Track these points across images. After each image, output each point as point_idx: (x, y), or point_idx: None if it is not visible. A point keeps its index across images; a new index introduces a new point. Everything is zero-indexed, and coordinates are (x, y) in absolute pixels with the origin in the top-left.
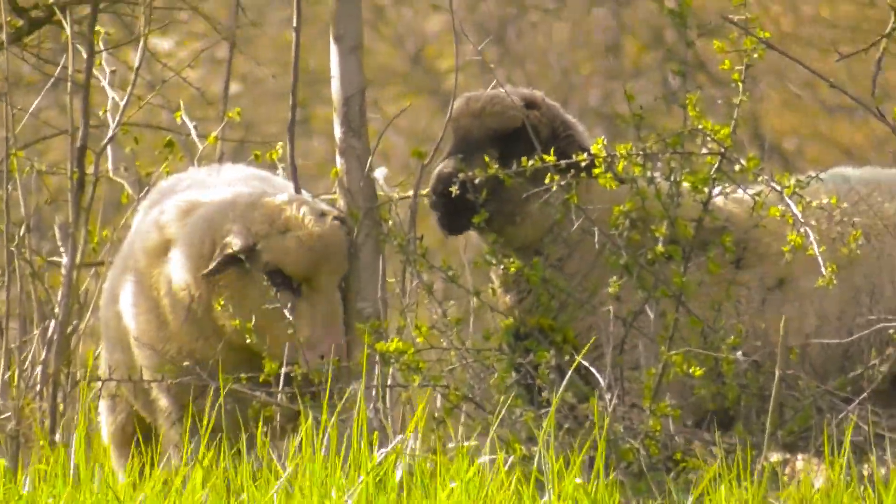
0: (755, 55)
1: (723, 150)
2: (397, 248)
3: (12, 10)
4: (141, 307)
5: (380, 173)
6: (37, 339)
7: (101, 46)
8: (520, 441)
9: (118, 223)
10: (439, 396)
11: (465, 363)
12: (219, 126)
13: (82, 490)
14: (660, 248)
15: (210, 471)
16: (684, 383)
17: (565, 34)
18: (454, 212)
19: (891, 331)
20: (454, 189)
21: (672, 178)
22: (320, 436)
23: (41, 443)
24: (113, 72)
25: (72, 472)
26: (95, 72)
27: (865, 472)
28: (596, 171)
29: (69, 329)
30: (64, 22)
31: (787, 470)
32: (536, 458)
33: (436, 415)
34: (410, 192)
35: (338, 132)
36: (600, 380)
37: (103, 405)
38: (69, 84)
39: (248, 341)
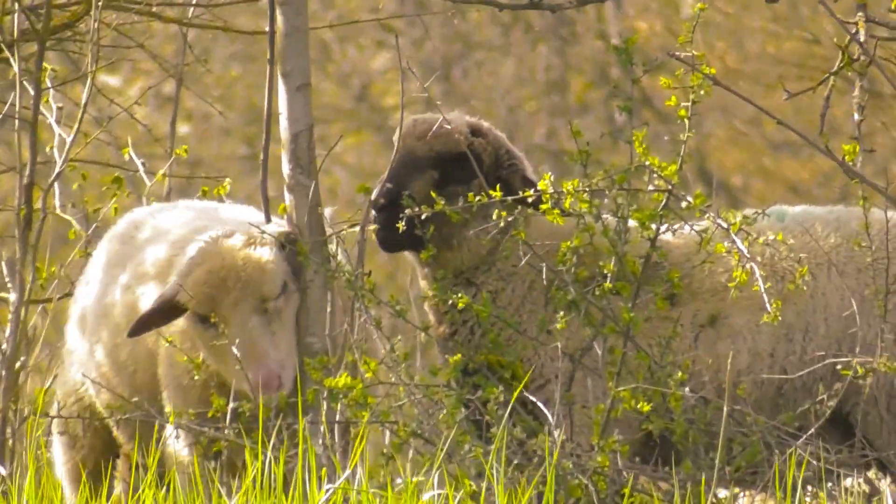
0: (702, 92)
1: (670, 186)
2: (345, 283)
3: None
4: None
5: (327, 212)
6: None
7: (49, 83)
8: (469, 476)
9: (66, 259)
10: (388, 432)
11: (413, 399)
12: (166, 163)
13: None
14: (608, 284)
15: None
16: (630, 418)
17: (510, 72)
18: (392, 230)
19: (838, 366)
20: (399, 222)
21: (619, 215)
22: (268, 472)
23: None
24: (60, 108)
25: None
26: (42, 108)
27: None
28: (543, 206)
29: (17, 365)
30: (11, 59)
31: None
32: (483, 494)
33: (384, 451)
34: (357, 228)
35: (286, 168)
36: (548, 415)
37: (58, 441)
38: (16, 121)
39: (196, 378)
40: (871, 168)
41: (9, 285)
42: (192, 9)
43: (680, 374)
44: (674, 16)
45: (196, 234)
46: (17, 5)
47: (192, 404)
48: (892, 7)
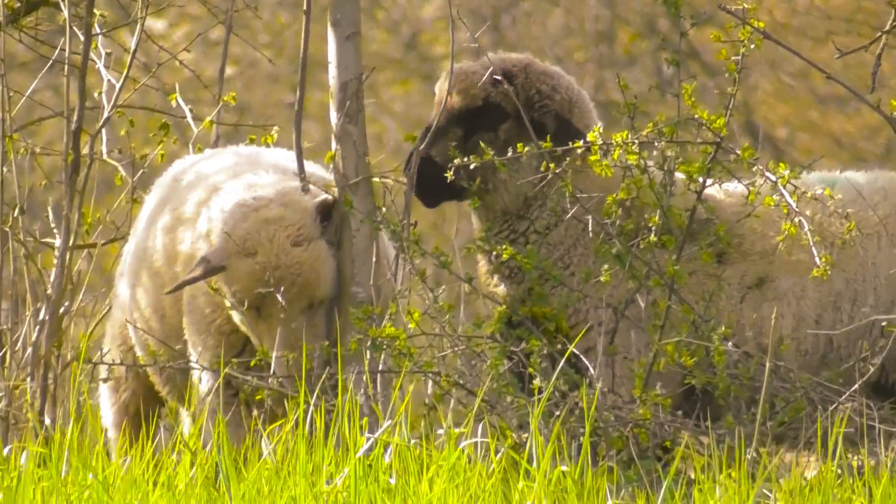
0: (752, 46)
1: (718, 139)
2: (391, 234)
3: None
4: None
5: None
6: (29, 321)
7: (98, 29)
8: (510, 428)
9: (112, 205)
10: (430, 383)
11: (456, 350)
12: (214, 109)
13: (73, 473)
14: (653, 237)
15: (199, 454)
16: (673, 372)
17: (559, 22)
18: (429, 186)
19: (883, 323)
20: (449, 174)
21: (665, 168)
22: (309, 421)
23: (31, 424)
24: (108, 54)
25: (65, 460)
26: (91, 54)
27: (855, 464)
28: (592, 157)
29: (61, 310)
30: (61, 4)
31: (777, 461)
32: (527, 445)
33: (426, 401)
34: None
35: (334, 117)
36: (590, 368)
37: (104, 387)
38: (66, 66)
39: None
40: None
41: (55, 230)
42: None
43: (724, 328)
44: None
45: (235, 176)
46: None
47: (211, 348)
48: None
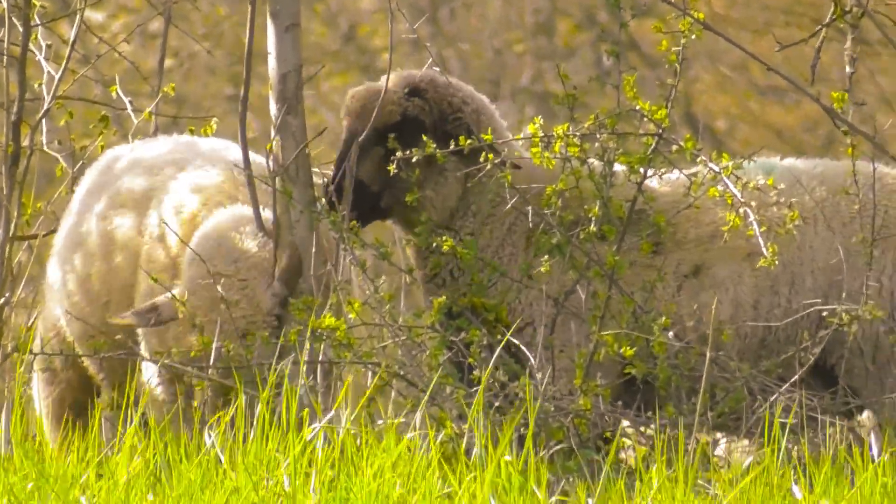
0: (692, 37)
1: (660, 130)
2: (330, 225)
3: None
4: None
5: None
6: None
7: (37, 20)
8: (450, 419)
9: (52, 196)
10: (371, 373)
11: (397, 340)
12: (153, 101)
13: (14, 462)
14: (593, 227)
15: (139, 445)
16: (613, 363)
17: (498, 14)
18: (356, 206)
19: (823, 313)
20: (392, 168)
21: (605, 159)
22: (249, 412)
23: None
24: (48, 45)
25: (4, 444)
26: (31, 45)
27: (795, 454)
28: (533, 150)
29: (1, 301)
30: None
31: (717, 451)
32: (466, 436)
33: (367, 392)
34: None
35: (273, 109)
36: (531, 359)
37: (38, 377)
38: (5, 57)
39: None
40: (857, 116)
41: None
42: None
43: (664, 319)
44: None
45: (173, 165)
46: None
47: (167, 343)
48: None
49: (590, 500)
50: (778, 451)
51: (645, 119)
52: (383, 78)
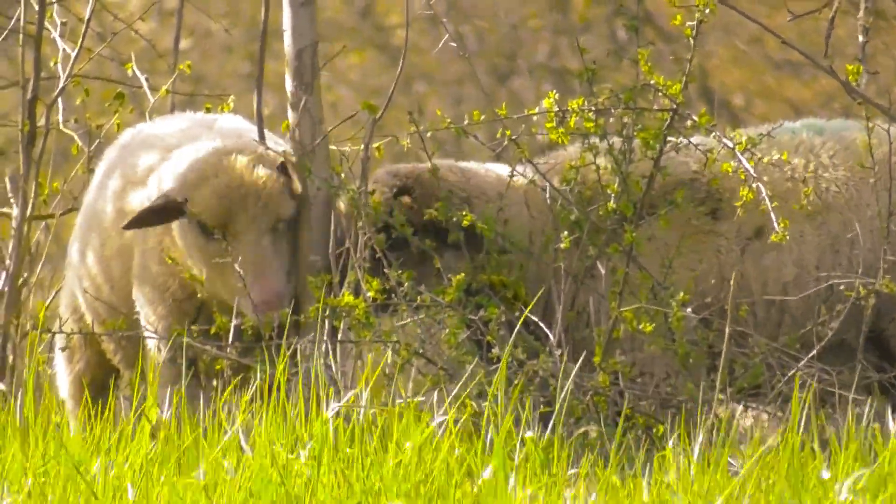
0: (707, 11)
1: (675, 105)
2: (348, 201)
3: None
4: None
5: None
6: None
7: None
8: (470, 397)
9: (69, 175)
10: (390, 352)
11: (415, 319)
12: (169, 79)
13: (31, 442)
14: (612, 203)
15: (160, 424)
16: (634, 339)
17: None
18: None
19: (841, 287)
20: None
21: (623, 134)
22: (271, 390)
23: None
24: (64, 23)
25: (20, 423)
26: (46, 23)
27: (816, 431)
28: (548, 125)
29: (19, 281)
30: None
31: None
32: (486, 414)
33: (386, 371)
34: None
35: (289, 86)
36: (550, 336)
37: (60, 356)
38: (21, 35)
39: (200, 295)
40: (873, 88)
41: (11, 201)
42: None
43: (682, 294)
44: None
45: (189, 141)
46: None
47: (163, 317)
48: None
49: (610, 478)
50: (798, 427)
51: (660, 94)
52: (374, 175)
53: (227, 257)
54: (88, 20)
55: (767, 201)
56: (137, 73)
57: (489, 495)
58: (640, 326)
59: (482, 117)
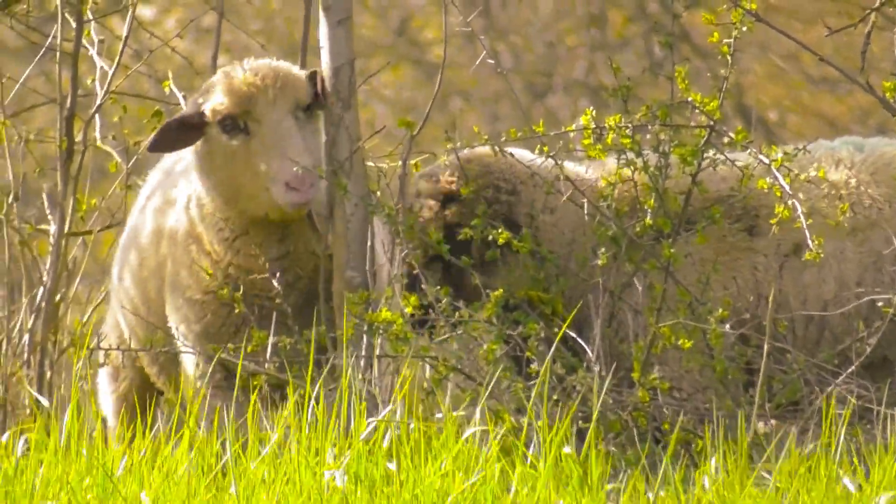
0: (744, 28)
1: (712, 122)
2: (386, 218)
3: None
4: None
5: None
6: (24, 308)
7: (90, 16)
8: (509, 412)
9: (106, 192)
10: (428, 367)
11: (453, 334)
12: None
13: (72, 458)
14: (648, 220)
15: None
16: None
17: (550, 6)
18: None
19: (879, 303)
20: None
21: (660, 151)
22: (308, 405)
23: (28, 411)
24: (101, 41)
25: (62, 440)
26: (83, 41)
27: (853, 447)
28: (585, 142)
29: (57, 297)
30: None
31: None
32: (525, 429)
33: (424, 385)
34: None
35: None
36: (588, 351)
37: (102, 372)
38: (58, 53)
39: (223, 213)
40: None
41: (49, 217)
42: None
43: (721, 311)
44: None
45: None
46: None
47: (193, 322)
48: None
49: (649, 494)
50: (835, 443)
51: (696, 111)
52: (418, 181)
53: (253, 147)
54: (126, 38)
55: (802, 219)
56: (175, 90)
57: None
58: (678, 342)
59: (519, 134)
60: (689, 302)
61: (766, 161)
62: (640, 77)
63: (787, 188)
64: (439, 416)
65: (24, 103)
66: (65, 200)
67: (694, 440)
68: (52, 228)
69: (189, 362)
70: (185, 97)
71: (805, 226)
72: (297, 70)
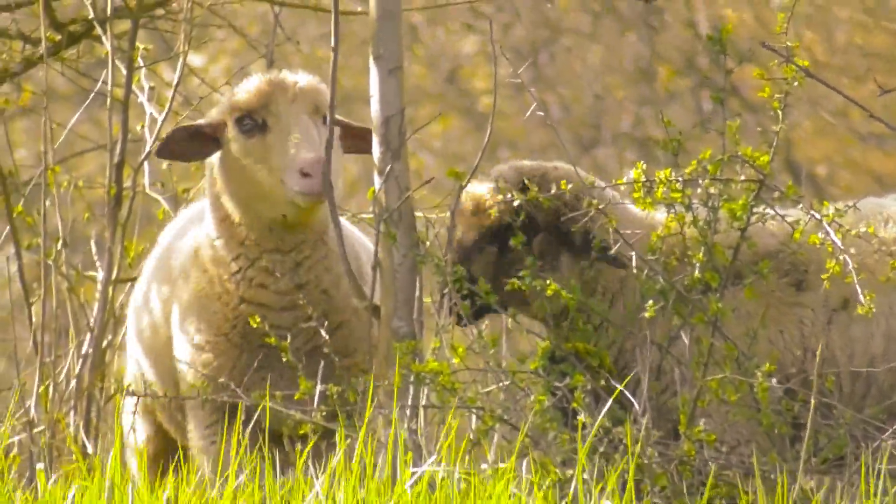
0: (795, 83)
1: (762, 177)
2: (434, 269)
3: (51, 25)
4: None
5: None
6: (72, 354)
7: (140, 62)
8: (554, 464)
9: (154, 238)
10: (474, 417)
11: (500, 385)
12: None
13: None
14: (697, 273)
15: (243, 485)
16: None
17: (598, 59)
18: (474, 302)
19: None
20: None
21: (710, 205)
22: (355, 454)
23: (74, 457)
24: (152, 88)
25: (107, 490)
26: (133, 87)
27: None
28: (635, 195)
29: (104, 343)
30: (104, 37)
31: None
32: (573, 482)
33: (470, 436)
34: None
35: (376, 152)
36: (635, 404)
37: (139, 420)
38: (108, 99)
39: (242, 219)
40: None
41: (97, 263)
42: None
43: (767, 365)
44: (761, 4)
45: None
46: None
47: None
48: None
49: None
50: (880, 498)
51: (746, 165)
52: (494, 170)
53: (270, 141)
54: (177, 85)
55: (854, 274)
56: None
57: None
58: (725, 396)
59: (569, 186)
60: (735, 356)
61: (818, 216)
62: (689, 131)
63: (839, 243)
64: (485, 466)
65: (74, 149)
66: (113, 247)
67: (738, 494)
68: (100, 275)
69: (196, 411)
70: None
71: (856, 280)
72: (321, 83)
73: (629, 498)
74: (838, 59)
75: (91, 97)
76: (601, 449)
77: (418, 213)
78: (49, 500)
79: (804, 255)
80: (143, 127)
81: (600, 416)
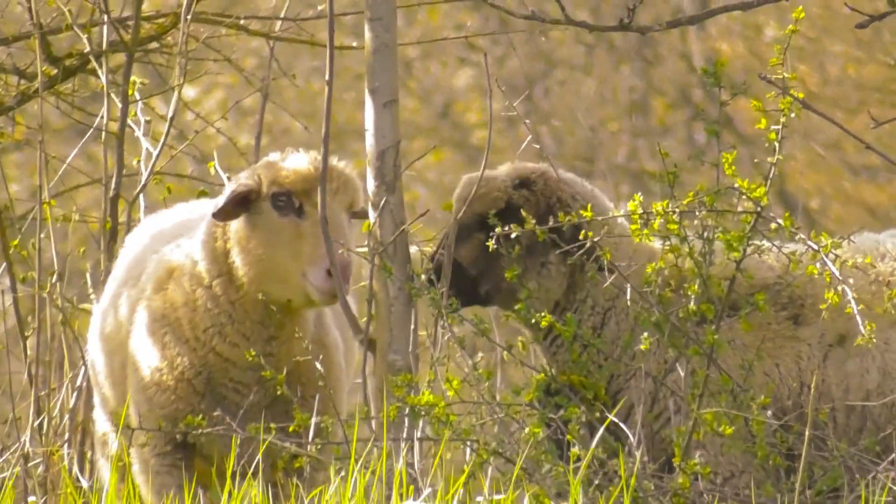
0: (792, 115)
1: (759, 208)
2: (429, 301)
3: (47, 59)
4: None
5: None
6: (66, 387)
7: (136, 96)
8: (549, 496)
9: None
10: (469, 450)
11: (495, 417)
12: None
13: None
14: (692, 306)
15: None
16: (715, 441)
17: (592, 91)
18: (458, 290)
19: None
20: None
21: (705, 237)
22: (349, 488)
23: (68, 490)
24: (148, 121)
25: None
26: (129, 121)
27: None
28: (632, 226)
29: None
30: (99, 71)
31: None
32: None
33: (465, 468)
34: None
35: (371, 186)
36: (630, 436)
37: (134, 451)
38: (103, 133)
39: (243, 283)
40: None
41: (91, 296)
42: (279, 22)
43: (763, 398)
44: (756, 38)
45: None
46: (105, 17)
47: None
48: None
49: None
50: None
51: (743, 197)
52: (500, 167)
53: (303, 229)
54: (172, 118)
55: (853, 303)
56: (220, 171)
57: None
58: (720, 428)
59: (567, 218)
60: (730, 388)
61: (816, 247)
62: (683, 163)
63: (837, 273)
64: (479, 499)
65: (68, 183)
66: (107, 280)
67: None
68: (95, 307)
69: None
70: (228, 178)
71: (856, 310)
72: (359, 179)
73: None
74: (831, 90)
75: (91, 132)
76: (596, 481)
77: (413, 247)
78: None
79: (800, 289)
80: (138, 161)
81: (592, 447)
